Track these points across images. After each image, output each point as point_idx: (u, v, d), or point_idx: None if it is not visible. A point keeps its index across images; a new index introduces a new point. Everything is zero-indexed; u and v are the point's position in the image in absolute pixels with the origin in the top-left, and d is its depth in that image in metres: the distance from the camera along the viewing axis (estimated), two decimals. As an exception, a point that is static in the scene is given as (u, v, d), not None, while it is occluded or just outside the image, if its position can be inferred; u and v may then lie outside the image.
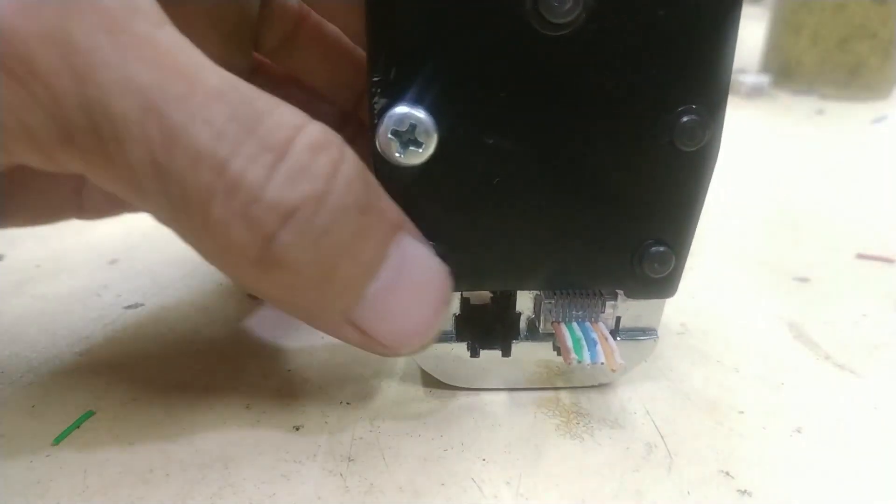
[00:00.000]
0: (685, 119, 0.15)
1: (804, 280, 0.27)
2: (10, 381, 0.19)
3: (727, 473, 0.16)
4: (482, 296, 0.18)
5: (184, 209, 0.12)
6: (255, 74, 0.22)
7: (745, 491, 0.15)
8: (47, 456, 0.16)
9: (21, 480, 0.15)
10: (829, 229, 0.33)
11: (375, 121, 0.14)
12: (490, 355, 0.18)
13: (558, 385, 0.19)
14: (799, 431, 0.18)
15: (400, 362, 0.21)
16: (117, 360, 0.21)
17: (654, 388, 0.19)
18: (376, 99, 0.14)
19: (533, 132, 0.15)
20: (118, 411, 0.18)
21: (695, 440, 0.17)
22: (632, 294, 0.17)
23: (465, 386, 0.19)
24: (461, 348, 0.18)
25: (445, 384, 0.19)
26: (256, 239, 0.12)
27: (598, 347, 0.16)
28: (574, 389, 0.19)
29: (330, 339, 0.22)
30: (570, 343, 0.17)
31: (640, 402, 0.19)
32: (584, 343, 0.16)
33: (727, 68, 0.14)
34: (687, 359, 0.21)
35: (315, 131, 0.13)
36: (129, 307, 0.24)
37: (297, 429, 0.17)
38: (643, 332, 0.18)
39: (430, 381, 0.19)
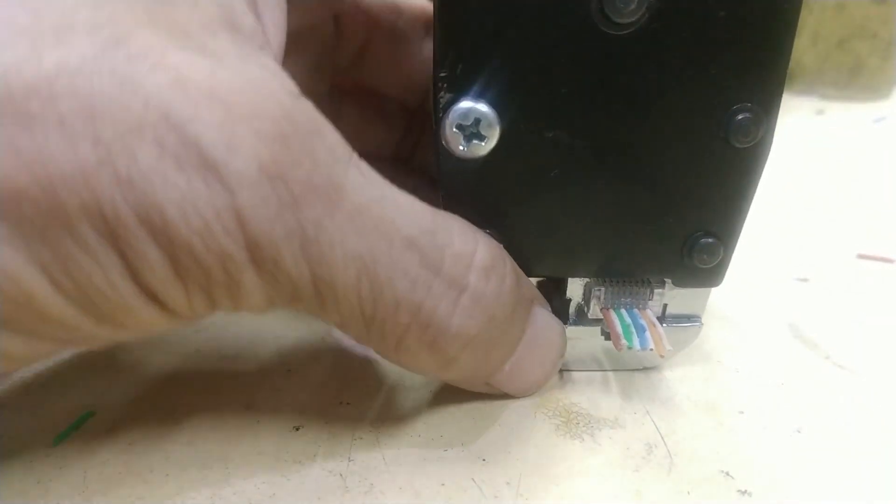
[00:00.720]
0: (740, 117, 0.15)
1: (804, 280, 0.27)
2: (10, 382, 0.19)
3: (727, 473, 0.16)
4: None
5: (379, 339, 0.14)
6: (330, 91, 0.23)
7: (745, 491, 0.15)
8: (47, 456, 0.16)
9: (21, 480, 0.15)
10: (829, 229, 0.33)
11: (440, 115, 0.15)
12: None
13: (606, 368, 0.20)
14: (799, 431, 0.18)
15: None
16: (117, 360, 0.21)
17: (654, 388, 0.19)
18: (442, 94, 0.14)
19: (591, 126, 0.15)
20: (118, 411, 0.18)
21: (695, 440, 0.17)
22: (679, 283, 0.18)
23: None
24: None
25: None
26: (440, 361, 0.15)
27: (647, 334, 0.17)
28: (574, 389, 0.19)
29: (331, 340, 0.22)
30: (619, 329, 0.17)
31: (640, 402, 0.19)
32: (633, 329, 0.17)
33: (783, 68, 0.15)
34: (687, 359, 0.21)
35: (483, 254, 0.15)
36: (129, 307, 0.24)
37: (297, 429, 0.17)
38: (688, 319, 0.19)
39: None
